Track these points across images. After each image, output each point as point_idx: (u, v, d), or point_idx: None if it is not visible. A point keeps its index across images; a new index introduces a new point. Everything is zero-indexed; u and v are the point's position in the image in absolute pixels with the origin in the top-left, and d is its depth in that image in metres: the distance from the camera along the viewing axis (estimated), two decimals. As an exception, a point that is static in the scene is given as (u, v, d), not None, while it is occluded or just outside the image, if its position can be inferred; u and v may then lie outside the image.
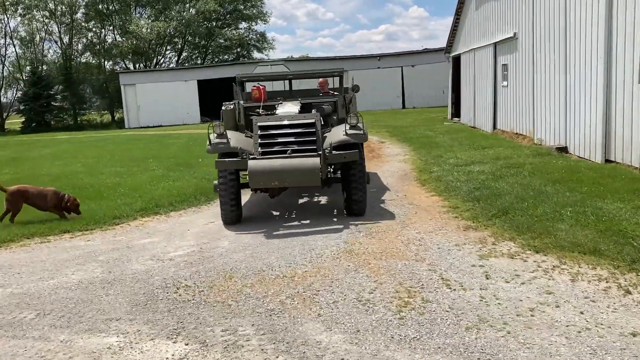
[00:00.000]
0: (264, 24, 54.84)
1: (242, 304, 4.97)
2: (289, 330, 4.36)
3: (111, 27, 48.53)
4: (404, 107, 40.10)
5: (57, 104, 46.80)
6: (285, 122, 8.27)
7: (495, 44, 19.65)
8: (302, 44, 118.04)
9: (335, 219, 8.22)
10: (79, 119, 47.33)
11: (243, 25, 49.62)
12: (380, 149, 16.87)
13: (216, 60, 50.36)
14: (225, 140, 8.08)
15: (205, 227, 8.27)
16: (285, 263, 6.08)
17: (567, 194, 8.17)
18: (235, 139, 8.25)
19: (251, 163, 7.60)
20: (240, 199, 8.39)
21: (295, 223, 8.19)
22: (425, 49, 40.91)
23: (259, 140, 8.07)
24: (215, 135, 8.15)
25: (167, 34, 45.80)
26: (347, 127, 8.11)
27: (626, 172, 9.75)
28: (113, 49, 45.55)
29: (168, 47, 50.58)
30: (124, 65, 49.09)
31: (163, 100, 39.58)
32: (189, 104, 40.01)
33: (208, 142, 8.19)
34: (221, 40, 49.19)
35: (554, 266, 5.41)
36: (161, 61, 50.61)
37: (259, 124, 8.27)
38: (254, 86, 10.03)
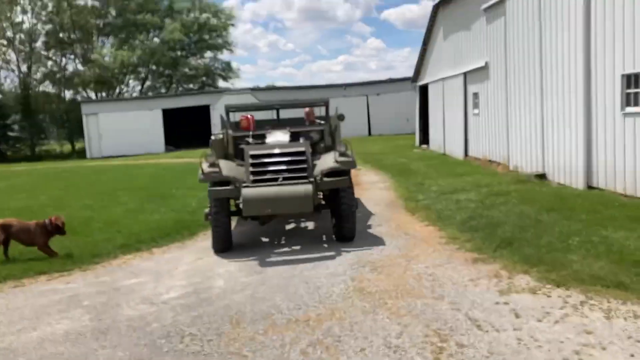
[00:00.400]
0: (230, 53, 54.62)
1: (260, 354, 4.54)
2: (319, 385, 3.95)
3: (72, 56, 47.52)
4: (369, 134, 40.25)
5: (13, 134, 45.17)
6: (276, 151, 8.44)
7: (465, 73, 19.85)
8: (263, 73, 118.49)
9: (325, 245, 8.34)
10: (37, 149, 45.74)
11: (208, 54, 49.37)
12: (357, 176, 16.61)
13: (181, 89, 49.74)
14: (217, 169, 8.13)
15: (194, 265, 7.77)
16: (294, 305, 5.66)
17: (566, 222, 8.04)
18: (226, 167, 8.34)
19: (245, 191, 7.72)
20: (231, 226, 8.45)
21: (286, 249, 8.29)
22: (390, 78, 41.42)
23: (251, 169, 8.20)
24: (207, 164, 8.20)
25: (131, 63, 44.98)
26: (337, 154, 8.34)
27: (614, 198, 9.72)
28: (74, 78, 44.39)
29: (131, 76, 49.72)
30: (85, 95, 47.95)
31: (126, 129, 38.63)
32: (154, 133, 39.17)
33: (200, 172, 8.23)
34: (186, 70, 48.70)
35: (581, 302, 5.17)
36: (124, 90, 49.70)
37: (251, 152, 8.40)
38: (243, 116, 10.21)
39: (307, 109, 11.11)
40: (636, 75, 9.89)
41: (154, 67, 49.26)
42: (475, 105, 19.01)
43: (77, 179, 21.73)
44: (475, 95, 18.99)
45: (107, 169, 26.12)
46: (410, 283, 6.10)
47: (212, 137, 9.87)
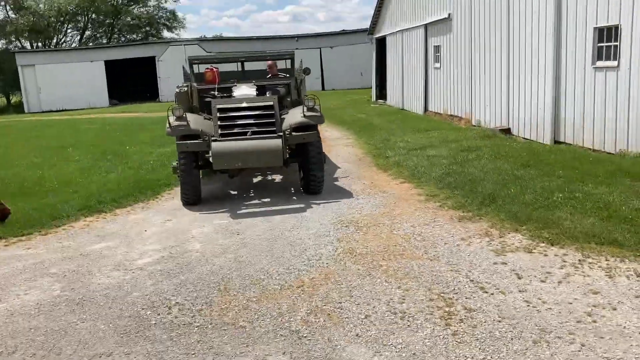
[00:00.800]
0: (174, 2, 52.00)
1: (258, 325, 4.22)
2: (332, 359, 3.69)
3: (3, 3, 44.22)
4: (323, 88, 39.64)
5: (-60, 88, 42.19)
6: (244, 105, 8.41)
7: (426, 25, 19.53)
8: (207, 23, 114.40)
9: (294, 198, 8.51)
10: (-32, 103, 42.99)
11: (152, 2, 46.84)
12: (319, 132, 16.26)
13: (123, 39, 47.28)
14: (185, 123, 8.09)
15: (164, 227, 7.32)
16: (284, 269, 5.36)
17: (546, 178, 7.97)
18: (194, 121, 8.27)
19: (215, 145, 7.75)
20: (200, 180, 8.49)
21: (256, 201, 8.46)
22: (343, 30, 40.62)
23: (219, 123, 8.18)
24: (175, 117, 8.15)
25: (68, 11, 42.22)
26: (305, 108, 8.37)
27: (586, 154, 9.76)
28: (7, 26, 41.36)
29: (69, 25, 46.78)
30: (19, 45, 44.96)
31: (67, 82, 36.56)
32: (96, 86, 37.27)
33: (167, 125, 8.19)
34: (128, 19, 46.16)
35: (579, 260, 5.07)
36: (62, 40, 46.76)
37: (218, 106, 8.37)
38: (207, 68, 9.89)
39: (269, 62, 10.86)
40: (609, 29, 9.83)
41: (93, 16, 46.55)
42: (437, 59, 18.80)
43: (18, 134, 20.47)
44: (437, 48, 18.75)
45: (49, 123, 24.72)
46: (400, 243, 5.89)
47: (177, 90, 9.69)
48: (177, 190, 9.46)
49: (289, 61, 10.73)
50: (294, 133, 8.17)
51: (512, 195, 7.21)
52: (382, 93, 27.00)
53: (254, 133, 8.03)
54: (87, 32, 48.60)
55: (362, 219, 6.97)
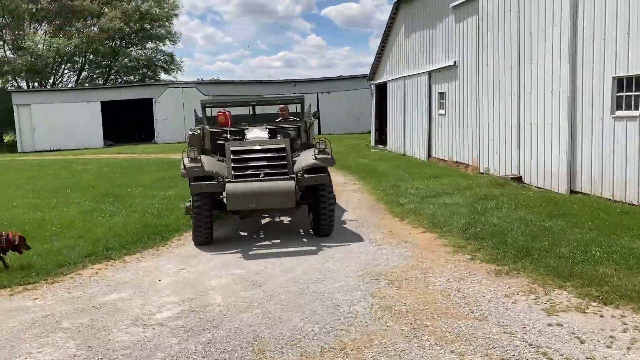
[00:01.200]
0: (173, 44, 52.12)
1: (306, 394, 3.80)
2: None
3: (1, 43, 44.17)
4: (319, 132, 39.65)
5: None
6: (257, 147, 8.64)
7: (430, 72, 19.58)
8: (201, 67, 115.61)
9: (305, 240, 8.64)
10: (-40, 141, 42.41)
11: (150, 45, 46.99)
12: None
13: (120, 81, 47.26)
14: (199, 165, 8.29)
15: (179, 276, 6.90)
16: (319, 328, 4.94)
17: (576, 230, 7.68)
18: (208, 163, 8.47)
19: (230, 186, 7.91)
20: (212, 221, 8.50)
21: (267, 242, 8.63)
22: (340, 76, 40.98)
23: (232, 164, 8.36)
24: (189, 159, 8.33)
25: (67, 52, 42.25)
26: (316, 151, 8.53)
27: (609, 205, 9.51)
28: (4, 65, 41.23)
29: (67, 66, 46.73)
30: (15, 84, 44.81)
31: (62, 122, 36.28)
32: (92, 126, 36.98)
33: (182, 166, 8.35)
34: (126, 60, 46.26)
35: (641, 323, 4.72)
36: (58, 81, 46.63)
37: (232, 148, 8.58)
38: (220, 111, 10.17)
39: (281, 106, 11.20)
40: (629, 79, 9.73)
41: (91, 57, 46.65)
42: (441, 106, 18.76)
43: (13, 174, 20.00)
44: (441, 95, 18.74)
45: (44, 164, 24.27)
46: (440, 300, 5.50)
47: (190, 132, 9.92)
48: (187, 236, 9.08)
49: (298, 105, 11.09)
50: (306, 175, 8.31)
51: (546, 248, 6.89)
52: (381, 138, 26.95)
53: (266, 175, 8.18)
54: (84, 73, 48.65)
55: (391, 271, 6.59)
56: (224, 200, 7.99)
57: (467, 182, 13.10)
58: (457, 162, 17.43)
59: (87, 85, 46.79)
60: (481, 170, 15.42)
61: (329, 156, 8.56)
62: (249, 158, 8.47)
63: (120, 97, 38.12)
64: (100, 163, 23.16)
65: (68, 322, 5.35)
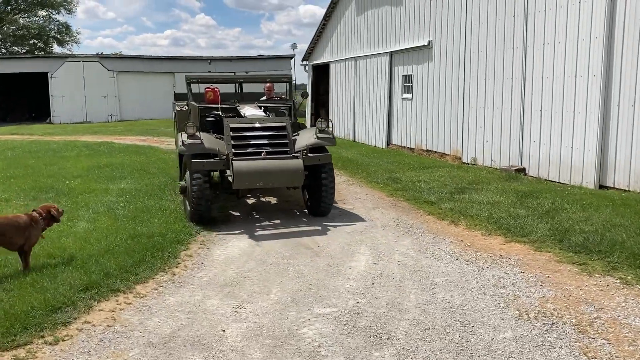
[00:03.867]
0: (68, 14, 45.83)
1: None
2: None
3: None
4: (237, 116, 37.22)
5: None
6: (257, 125, 8.43)
7: (391, 53, 18.09)
8: (80, 42, 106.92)
9: (304, 219, 8.56)
10: None
11: (42, 13, 41.16)
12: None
13: (4, 52, 41.21)
14: (199, 141, 7.96)
15: (246, 321, 4.76)
16: None
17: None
18: (207, 139, 8.14)
19: (237, 164, 7.71)
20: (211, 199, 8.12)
21: (266, 223, 8.56)
22: (260, 55, 38.54)
23: (232, 142, 8.13)
24: (187, 135, 7.99)
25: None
26: (317, 130, 8.46)
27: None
28: None
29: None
30: None
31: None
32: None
33: (180, 143, 8.07)
34: (13, 28, 40.30)
35: None
36: None
37: (232, 125, 8.32)
38: (208, 87, 9.78)
39: (267, 84, 10.91)
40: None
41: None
42: (407, 89, 17.33)
43: None
44: (407, 78, 17.30)
45: None
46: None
47: (177, 108, 9.73)
48: (197, 250, 6.86)
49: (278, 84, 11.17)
50: (309, 154, 8.17)
51: None
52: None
53: (268, 153, 8.02)
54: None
55: (551, 307, 4.91)
56: (229, 178, 7.80)
57: (470, 175, 11.75)
58: (427, 150, 16.13)
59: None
60: (465, 160, 14.19)
61: (331, 136, 8.49)
62: (250, 136, 8.26)
63: (7, 70, 33.16)
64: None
65: None
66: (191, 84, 10.12)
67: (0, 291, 5.16)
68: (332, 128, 8.74)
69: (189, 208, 8.19)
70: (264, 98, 10.84)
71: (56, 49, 43.25)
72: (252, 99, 10.62)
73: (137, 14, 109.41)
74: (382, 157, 15.37)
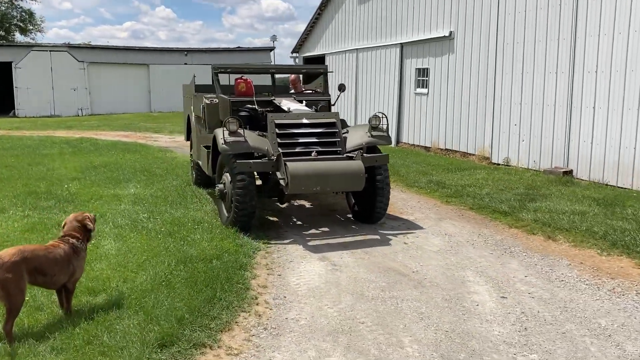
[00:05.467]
0: (32, 0, 42.55)
1: None
2: None
3: None
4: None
5: None
6: (305, 121, 7.47)
7: (402, 45, 16.91)
8: (44, 31, 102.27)
9: (355, 227, 7.63)
10: None
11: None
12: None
13: (-40, 38, 38.23)
14: (242, 139, 6.98)
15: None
16: None
17: None
18: (251, 137, 7.13)
19: (293, 166, 6.70)
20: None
21: (314, 231, 7.52)
22: (239, 47, 36.86)
23: (278, 140, 7.20)
24: (228, 132, 6.97)
25: None
26: (369, 127, 7.58)
27: None
28: None
29: None
30: None
31: None
32: None
33: (221, 140, 6.95)
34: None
35: None
36: None
37: (277, 121, 7.36)
38: (239, 78, 8.63)
39: (292, 77, 9.82)
40: None
41: None
42: (422, 84, 16.18)
43: None
44: (422, 71, 16.15)
45: None
46: None
47: (206, 101, 8.43)
48: (277, 281, 5.52)
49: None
50: (366, 155, 7.23)
51: None
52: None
53: (318, 153, 7.10)
54: None
55: None
56: (282, 181, 6.79)
57: (515, 178, 10.75)
58: (447, 149, 15.03)
59: None
60: (495, 161, 13.14)
61: (385, 134, 7.65)
62: (297, 133, 7.31)
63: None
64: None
65: None
66: (219, 75, 8.82)
67: (48, 353, 3.71)
68: (387, 125, 7.76)
69: (226, 214, 7.30)
70: (292, 91, 9.66)
71: (18, 37, 40.48)
72: (281, 92, 9.56)
73: (95, 4, 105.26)
74: (399, 157, 14.18)
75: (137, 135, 20.40)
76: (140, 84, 33.82)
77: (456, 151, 14.68)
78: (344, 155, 7.24)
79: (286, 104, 8.09)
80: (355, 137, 7.55)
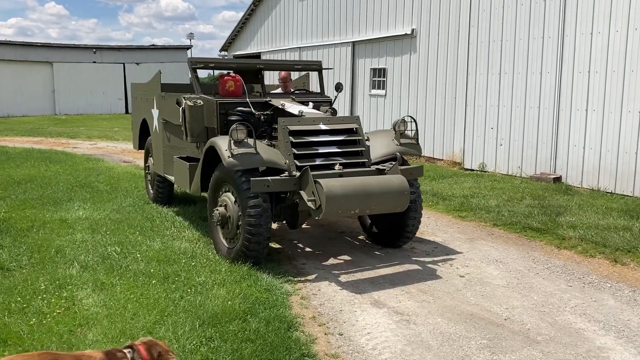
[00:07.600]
0: None
1: None
2: None
3: None
4: (127, 112, 32.81)
5: None
6: (323, 127, 6.11)
7: (353, 43, 15.82)
8: None
9: (379, 253, 6.43)
10: None
11: None
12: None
13: None
14: (253, 151, 5.58)
15: None
16: None
17: None
18: (262, 148, 5.74)
19: (327, 184, 5.29)
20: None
21: (335, 261, 6.19)
22: (153, 45, 34.33)
23: (293, 151, 5.80)
24: (233, 142, 5.53)
25: None
26: (397, 134, 6.46)
27: None
28: None
29: None
30: None
31: None
32: None
33: (227, 153, 5.52)
34: None
35: None
36: None
37: (291, 127, 5.92)
38: (227, 75, 7.09)
39: (282, 74, 8.27)
40: None
41: None
42: (378, 85, 15.16)
43: None
44: (379, 71, 15.13)
45: None
46: None
47: (189, 103, 6.61)
48: (344, 345, 4.15)
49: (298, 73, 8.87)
50: (400, 167, 6.10)
51: None
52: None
53: (342, 166, 5.85)
54: None
55: None
56: (310, 203, 5.37)
57: (507, 186, 9.93)
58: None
59: None
60: (469, 166, 12.33)
61: (415, 141, 6.56)
62: (315, 142, 5.97)
63: None
64: None
65: None
66: (197, 70, 7.29)
67: None
68: (417, 131, 6.61)
69: (226, 244, 5.93)
70: (278, 91, 8.19)
71: None
72: (269, 91, 7.93)
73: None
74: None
75: (51, 141, 17.84)
76: (42, 83, 30.51)
77: (421, 156, 13.75)
78: (374, 169, 5.99)
79: (292, 106, 6.61)
80: (381, 146, 6.41)
